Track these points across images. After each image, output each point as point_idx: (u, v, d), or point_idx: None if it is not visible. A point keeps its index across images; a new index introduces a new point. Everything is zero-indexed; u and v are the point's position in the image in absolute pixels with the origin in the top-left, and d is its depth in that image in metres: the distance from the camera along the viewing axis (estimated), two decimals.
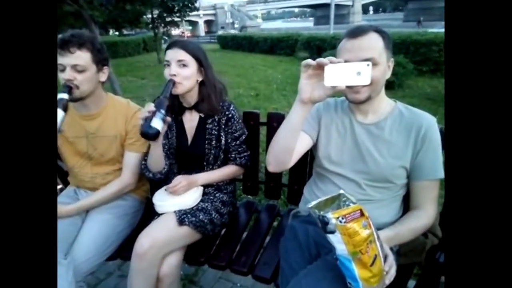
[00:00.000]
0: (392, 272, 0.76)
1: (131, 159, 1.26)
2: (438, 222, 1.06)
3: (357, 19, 48.11)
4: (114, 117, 1.24)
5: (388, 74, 0.94)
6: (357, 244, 0.67)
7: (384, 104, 0.98)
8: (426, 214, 0.94)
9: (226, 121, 1.24)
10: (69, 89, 1.07)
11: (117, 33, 16.57)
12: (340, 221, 0.67)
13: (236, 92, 6.15)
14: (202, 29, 47.96)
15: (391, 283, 0.80)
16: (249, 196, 1.62)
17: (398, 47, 7.34)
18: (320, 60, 0.78)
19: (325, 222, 0.69)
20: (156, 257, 1.04)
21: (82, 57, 1.09)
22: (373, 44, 0.88)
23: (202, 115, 1.25)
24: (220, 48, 18.40)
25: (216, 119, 1.24)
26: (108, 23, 9.35)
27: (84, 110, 1.22)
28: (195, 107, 1.24)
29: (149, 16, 12.58)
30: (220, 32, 26.83)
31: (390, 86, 5.50)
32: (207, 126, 1.24)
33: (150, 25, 13.42)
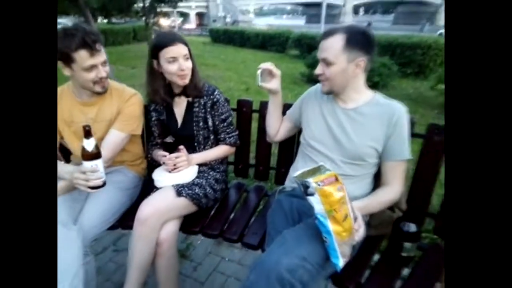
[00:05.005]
0: (361, 231, 0.91)
1: (114, 136, 1.29)
2: (406, 198, 1.23)
3: (348, 19, 48.68)
4: (111, 102, 1.33)
5: (355, 72, 1.06)
6: (331, 203, 0.82)
7: (362, 93, 1.13)
8: (393, 190, 1.10)
9: (211, 105, 1.37)
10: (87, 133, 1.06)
11: (105, 21, 16.25)
12: (319, 185, 0.81)
13: (227, 86, 6.25)
14: (193, 21, 47.32)
15: (363, 249, 0.99)
16: (240, 178, 1.75)
17: (385, 49, 7.60)
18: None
19: (306, 186, 0.83)
20: (156, 223, 1.17)
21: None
22: (331, 45, 1.03)
23: (190, 100, 1.37)
24: (211, 41, 18.31)
25: (202, 103, 1.37)
26: (97, 10, 9.18)
27: (85, 97, 1.31)
28: (184, 93, 1.36)
29: (140, 5, 12.41)
30: (212, 26, 26.63)
31: (375, 86, 5.72)
32: (194, 109, 1.37)
33: (140, 14, 13.23)
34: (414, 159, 1.21)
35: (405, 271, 1.12)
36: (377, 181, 1.17)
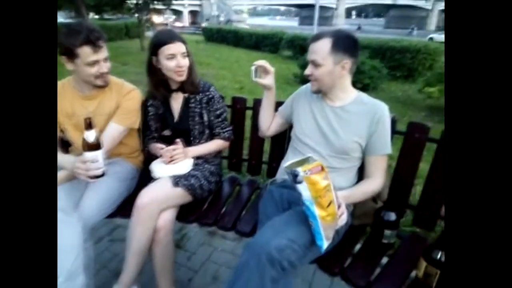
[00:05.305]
0: (344, 217, 1.00)
1: (112, 129, 1.35)
2: (388, 190, 1.33)
3: (340, 22, 49.33)
4: (110, 96, 1.40)
5: (342, 73, 1.16)
6: (317, 190, 0.90)
7: (348, 93, 1.22)
8: (375, 181, 1.20)
9: (207, 101, 1.45)
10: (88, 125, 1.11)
11: (96, 16, 16.10)
12: (307, 173, 0.90)
13: (221, 84, 6.31)
14: (186, 19, 47.07)
15: (347, 237, 1.11)
16: (233, 172, 1.83)
17: (376, 52, 7.79)
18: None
19: (295, 175, 0.92)
20: (155, 210, 1.23)
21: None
22: (319, 48, 1.13)
23: (187, 95, 1.45)
24: (205, 40, 18.31)
25: (198, 99, 1.45)
26: (92, 7, 9.12)
27: (86, 91, 1.37)
28: (181, 89, 1.43)
29: (133, 1, 12.36)
30: (205, 24, 26.60)
31: (365, 88, 5.87)
32: (190, 105, 1.45)
33: (133, 11, 13.17)
34: (395, 154, 1.31)
35: (385, 259, 1.21)
36: (362, 174, 1.27)
